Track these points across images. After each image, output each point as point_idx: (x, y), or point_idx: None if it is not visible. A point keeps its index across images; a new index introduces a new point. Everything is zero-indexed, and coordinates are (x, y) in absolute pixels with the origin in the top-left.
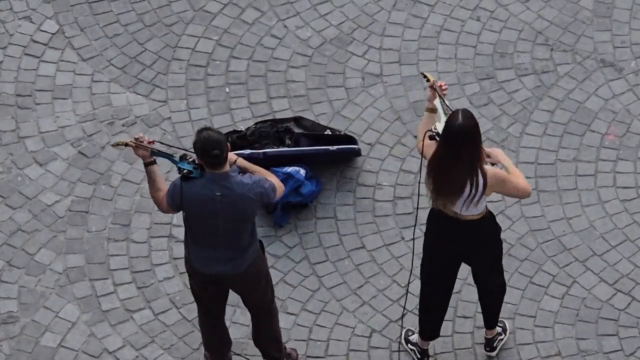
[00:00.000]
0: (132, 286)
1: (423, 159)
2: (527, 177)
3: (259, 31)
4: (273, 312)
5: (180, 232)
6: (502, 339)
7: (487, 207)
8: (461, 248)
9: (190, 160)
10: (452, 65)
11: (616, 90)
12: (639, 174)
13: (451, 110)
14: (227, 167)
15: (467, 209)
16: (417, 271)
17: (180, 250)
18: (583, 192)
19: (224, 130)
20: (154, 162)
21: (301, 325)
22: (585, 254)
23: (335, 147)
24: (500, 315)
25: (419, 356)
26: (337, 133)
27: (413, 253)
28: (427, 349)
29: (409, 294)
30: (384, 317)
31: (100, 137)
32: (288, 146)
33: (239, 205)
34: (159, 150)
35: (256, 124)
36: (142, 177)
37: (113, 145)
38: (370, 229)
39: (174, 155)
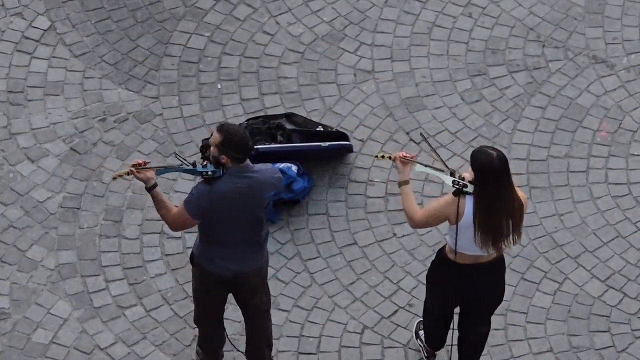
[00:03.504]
0: (124, 283)
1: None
2: (519, 174)
3: (250, 27)
4: (269, 316)
5: None
6: None
7: None
8: (475, 294)
9: (204, 163)
10: (443, 62)
11: (608, 86)
12: (631, 170)
13: (444, 163)
14: (247, 160)
15: (508, 245)
16: (408, 267)
17: (172, 246)
18: (575, 189)
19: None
20: (156, 185)
21: (293, 322)
22: (577, 250)
23: (327, 144)
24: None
25: (426, 355)
26: (329, 129)
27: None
28: (435, 354)
29: (400, 290)
30: (376, 313)
31: (92, 134)
32: (280, 142)
33: (261, 190)
34: (165, 167)
35: (248, 120)
36: None
37: (114, 179)
38: (362, 226)
39: (182, 165)
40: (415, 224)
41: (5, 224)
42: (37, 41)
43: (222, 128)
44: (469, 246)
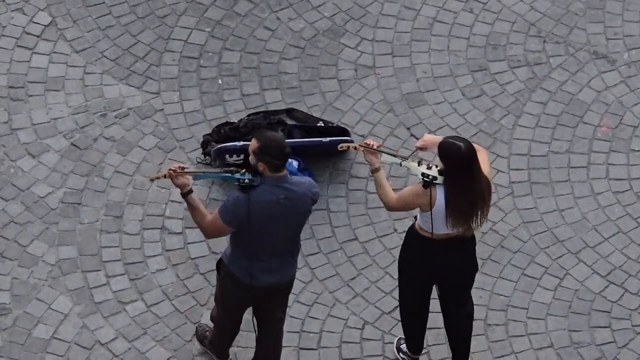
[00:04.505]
0: (125, 278)
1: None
2: (519, 169)
3: (251, 23)
4: (282, 330)
5: (172, 224)
6: None
7: None
8: (445, 270)
9: (242, 171)
10: (444, 57)
11: (609, 82)
12: (632, 165)
13: (412, 153)
14: (285, 170)
15: (481, 224)
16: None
17: (173, 242)
18: (576, 184)
19: (216, 122)
20: (192, 190)
21: (294, 317)
22: (578, 246)
23: (327, 139)
24: (493, 308)
25: None
26: (330, 125)
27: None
28: (418, 358)
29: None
30: (377, 308)
31: (92, 129)
32: None
33: (300, 205)
34: (204, 172)
35: (249, 115)
36: (134, 169)
37: (151, 180)
38: (363, 221)
39: (222, 171)
40: (390, 210)
41: (6, 220)
42: (37, 37)
43: (260, 134)
44: (442, 228)
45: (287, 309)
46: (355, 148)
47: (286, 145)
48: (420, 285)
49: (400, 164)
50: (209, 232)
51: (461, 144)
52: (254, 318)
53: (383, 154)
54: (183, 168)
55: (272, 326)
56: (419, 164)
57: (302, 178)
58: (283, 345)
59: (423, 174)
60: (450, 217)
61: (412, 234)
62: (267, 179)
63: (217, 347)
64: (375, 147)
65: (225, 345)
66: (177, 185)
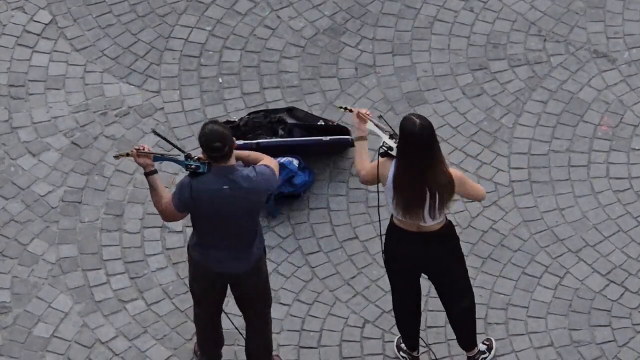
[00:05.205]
0: (125, 276)
1: (379, 184)
2: (520, 168)
3: (252, 22)
4: (267, 320)
5: (173, 222)
6: (485, 358)
7: (446, 216)
8: (423, 262)
9: (195, 157)
10: (445, 56)
11: (609, 81)
12: (632, 164)
13: (390, 127)
14: (232, 161)
15: (433, 217)
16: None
17: (173, 240)
18: (576, 183)
19: None
20: (155, 171)
21: (294, 316)
22: (578, 244)
23: (328, 138)
24: (493, 307)
25: None
26: (330, 124)
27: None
28: (418, 356)
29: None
30: (377, 307)
31: (93, 128)
32: (281, 137)
33: (246, 199)
34: (162, 155)
35: (249, 114)
36: (134, 167)
37: (115, 157)
38: (363, 220)
39: (178, 156)
40: (362, 181)
41: (6, 218)
42: (38, 35)
43: (204, 125)
44: (397, 213)
45: (287, 307)
46: (351, 110)
47: (213, 141)
48: (402, 276)
49: (388, 134)
50: (164, 215)
51: (419, 120)
52: (231, 312)
53: (369, 122)
54: (149, 150)
55: (256, 317)
56: (391, 137)
57: (252, 172)
58: (283, 343)
59: (383, 144)
60: (395, 194)
61: (389, 222)
62: (214, 168)
63: (203, 350)
64: (368, 116)
65: (212, 349)
66: (140, 164)
